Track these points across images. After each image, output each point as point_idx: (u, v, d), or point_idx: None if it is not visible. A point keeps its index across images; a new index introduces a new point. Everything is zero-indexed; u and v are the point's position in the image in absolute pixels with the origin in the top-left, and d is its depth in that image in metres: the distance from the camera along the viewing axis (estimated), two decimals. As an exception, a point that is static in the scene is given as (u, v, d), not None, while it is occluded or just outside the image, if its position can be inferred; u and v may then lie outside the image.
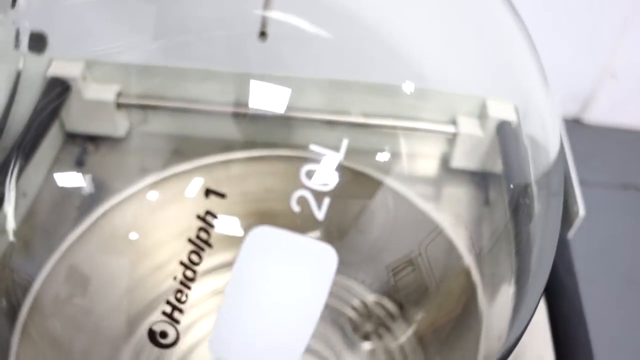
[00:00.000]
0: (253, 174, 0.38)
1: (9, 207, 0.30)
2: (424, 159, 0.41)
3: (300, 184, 0.18)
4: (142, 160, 0.40)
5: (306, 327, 0.18)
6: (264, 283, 0.18)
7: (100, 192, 0.37)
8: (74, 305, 0.33)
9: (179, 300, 0.19)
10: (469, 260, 0.30)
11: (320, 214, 0.19)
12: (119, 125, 0.40)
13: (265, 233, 0.18)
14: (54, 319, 0.33)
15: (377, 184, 0.28)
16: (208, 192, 0.19)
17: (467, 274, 0.29)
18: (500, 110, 0.37)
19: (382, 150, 0.33)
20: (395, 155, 0.32)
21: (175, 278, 0.19)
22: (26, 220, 0.35)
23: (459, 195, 0.39)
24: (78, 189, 0.37)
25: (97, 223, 0.36)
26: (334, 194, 0.24)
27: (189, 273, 0.18)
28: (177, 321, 0.19)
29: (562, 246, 0.34)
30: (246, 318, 0.18)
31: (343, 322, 0.36)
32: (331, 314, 0.35)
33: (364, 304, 0.35)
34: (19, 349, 0.31)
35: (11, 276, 0.32)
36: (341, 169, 0.23)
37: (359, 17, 0.30)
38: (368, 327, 0.35)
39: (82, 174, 0.39)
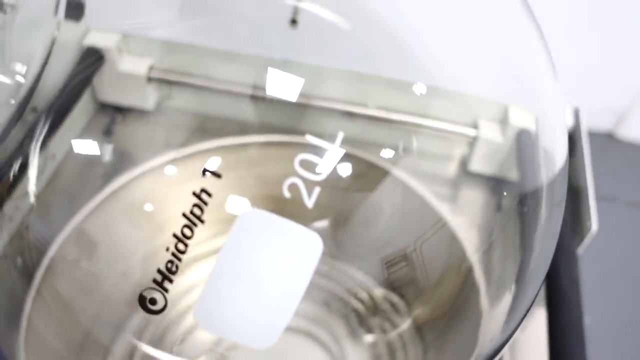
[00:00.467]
0: (273, 158, 0.39)
1: (32, 170, 0.32)
2: (442, 159, 0.41)
3: (293, 172, 0.19)
4: (166, 135, 0.41)
5: (288, 308, 0.19)
6: (252, 262, 0.19)
7: (123, 162, 0.38)
8: (87, 270, 0.34)
9: (169, 270, 0.20)
10: (473, 259, 0.30)
11: (309, 202, 0.19)
12: (148, 98, 0.41)
13: (256, 216, 0.19)
14: (68, 283, 0.34)
15: (382, 176, 0.29)
16: (205, 172, 0.20)
17: (465, 272, 0.29)
18: (521, 119, 0.37)
19: (397, 145, 0.33)
20: (409, 151, 0.33)
21: (167, 249, 0.20)
22: (52, 182, 0.37)
23: (474, 198, 0.39)
24: (103, 157, 0.38)
25: (117, 193, 0.37)
26: (339, 183, 0.25)
27: (180, 246, 0.19)
28: (166, 290, 0.20)
29: (570, 259, 0.35)
30: (231, 293, 0.19)
31: (347, 312, 0.36)
32: (332, 301, 0.36)
33: (371, 297, 0.36)
34: (32, 309, 0.32)
35: (30, 237, 0.34)
36: (348, 158, 0.24)
37: (385, 14, 0.30)
38: (372, 319, 0.36)
39: (109, 143, 0.40)
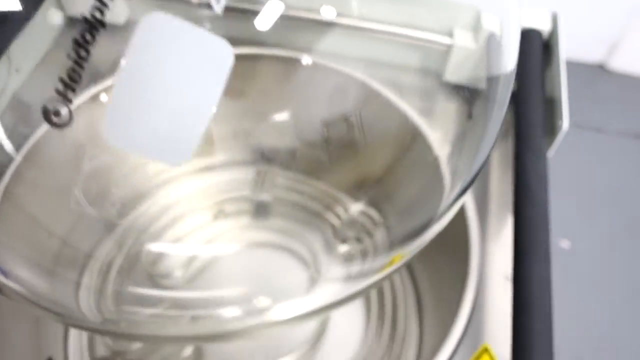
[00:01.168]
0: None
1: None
2: (416, 70, 0.40)
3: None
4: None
5: (200, 121, 0.18)
6: (158, 71, 0.18)
7: (91, 77, 0.38)
8: (49, 187, 0.34)
9: (71, 78, 0.19)
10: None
11: (218, 7, 0.19)
12: (118, 13, 0.41)
13: (161, 21, 0.18)
14: (32, 201, 0.34)
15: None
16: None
17: (410, 141, 0.29)
18: (491, 23, 0.36)
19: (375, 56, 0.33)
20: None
21: (68, 56, 0.19)
22: (16, 96, 0.36)
23: (447, 107, 0.39)
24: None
25: (83, 107, 0.37)
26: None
27: (82, 52, 0.19)
28: (69, 100, 0.19)
29: (539, 158, 0.34)
30: (138, 106, 0.18)
31: (319, 223, 0.36)
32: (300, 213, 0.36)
33: (344, 209, 0.35)
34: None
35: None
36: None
37: None
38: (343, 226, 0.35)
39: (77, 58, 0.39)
